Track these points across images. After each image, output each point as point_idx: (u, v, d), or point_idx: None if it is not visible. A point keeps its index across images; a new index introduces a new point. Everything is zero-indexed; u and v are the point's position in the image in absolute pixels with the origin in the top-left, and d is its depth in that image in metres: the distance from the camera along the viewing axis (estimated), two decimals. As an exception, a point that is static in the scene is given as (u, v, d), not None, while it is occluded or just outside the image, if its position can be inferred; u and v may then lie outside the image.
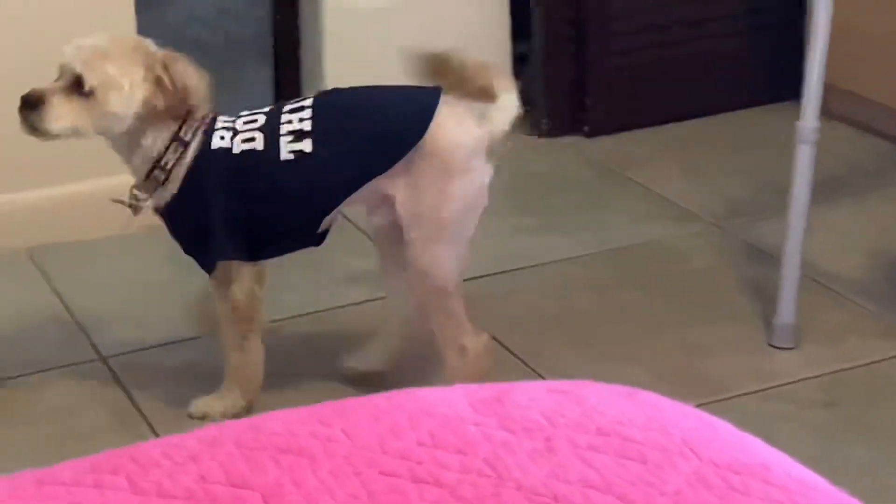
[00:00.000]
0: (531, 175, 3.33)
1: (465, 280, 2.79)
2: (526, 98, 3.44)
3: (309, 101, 2.15)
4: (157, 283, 2.78)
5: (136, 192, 2.14)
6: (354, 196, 2.14)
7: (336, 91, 2.27)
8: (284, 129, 2.11)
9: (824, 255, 2.88)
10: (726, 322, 2.66)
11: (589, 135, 3.47)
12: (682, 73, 3.53)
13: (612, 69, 3.46)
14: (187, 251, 2.17)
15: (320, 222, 2.16)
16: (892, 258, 2.93)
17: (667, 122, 3.52)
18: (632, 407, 1.20)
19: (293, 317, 2.62)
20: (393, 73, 3.35)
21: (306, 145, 2.10)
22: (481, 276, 2.79)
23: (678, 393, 1.43)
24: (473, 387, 1.26)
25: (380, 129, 2.13)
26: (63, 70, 2.07)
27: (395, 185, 2.11)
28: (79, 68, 2.04)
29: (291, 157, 2.10)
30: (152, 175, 2.11)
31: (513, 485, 1.08)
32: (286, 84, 3.42)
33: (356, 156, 2.12)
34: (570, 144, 3.48)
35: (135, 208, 2.15)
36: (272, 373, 2.30)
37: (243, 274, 2.15)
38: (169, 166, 2.10)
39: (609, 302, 2.74)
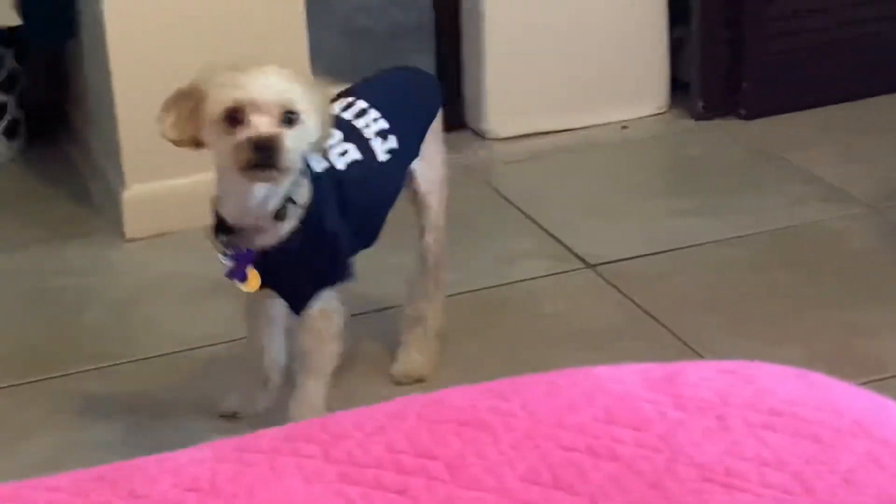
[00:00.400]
0: (687, 157, 3.32)
1: (622, 260, 2.84)
2: (683, 81, 3.47)
3: (362, 102, 2.15)
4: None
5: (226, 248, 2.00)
6: None
7: (364, 84, 2.25)
8: (368, 132, 2.11)
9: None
10: (885, 303, 2.63)
11: (745, 117, 3.44)
12: (839, 55, 3.48)
13: (768, 52, 3.42)
14: (289, 293, 2.06)
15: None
16: None
17: (823, 104, 3.47)
18: (803, 387, 1.21)
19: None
20: (550, 56, 3.39)
21: (393, 141, 2.13)
22: (639, 257, 2.80)
23: (837, 372, 1.43)
24: (645, 366, 1.28)
25: (422, 107, 2.27)
26: (258, 106, 1.86)
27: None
28: (292, 104, 1.88)
29: (388, 156, 2.12)
30: (280, 213, 1.96)
31: (687, 460, 1.10)
32: (448, 71, 3.46)
33: (417, 137, 2.23)
34: (726, 127, 3.45)
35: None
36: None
37: (329, 299, 2.06)
38: (300, 200, 1.98)
39: (767, 283, 2.72)
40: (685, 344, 2.47)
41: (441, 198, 2.31)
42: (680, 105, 3.50)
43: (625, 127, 3.43)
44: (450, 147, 3.42)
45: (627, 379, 1.23)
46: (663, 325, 2.53)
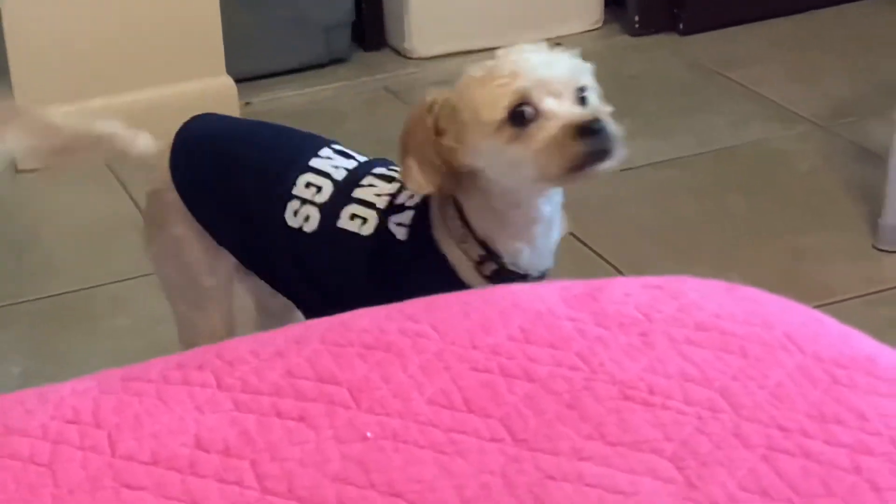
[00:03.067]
0: (623, 76, 3.31)
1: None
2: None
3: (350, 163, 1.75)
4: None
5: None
6: None
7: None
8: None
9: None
10: (831, 225, 2.65)
11: (683, 33, 3.43)
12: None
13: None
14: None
15: None
16: None
17: (766, 18, 3.47)
18: (731, 301, 1.20)
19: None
20: None
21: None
22: (573, 182, 2.79)
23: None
24: (567, 283, 1.27)
25: None
26: (550, 87, 1.52)
27: None
28: (582, 81, 1.56)
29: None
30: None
31: (607, 378, 1.09)
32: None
33: None
34: (664, 43, 3.44)
35: None
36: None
37: None
38: None
39: (710, 206, 2.73)
40: (622, 273, 2.47)
41: None
42: (615, 20, 3.49)
43: (557, 44, 3.40)
44: (371, 67, 3.42)
45: (546, 297, 1.21)
46: (598, 254, 2.53)
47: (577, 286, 1.24)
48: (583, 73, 1.55)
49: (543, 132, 1.49)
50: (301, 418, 1.08)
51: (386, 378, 1.11)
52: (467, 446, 1.03)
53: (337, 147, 1.74)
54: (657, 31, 3.43)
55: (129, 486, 1.03)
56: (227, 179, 1.74)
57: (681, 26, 3.42)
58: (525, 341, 1.14)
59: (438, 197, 1.60)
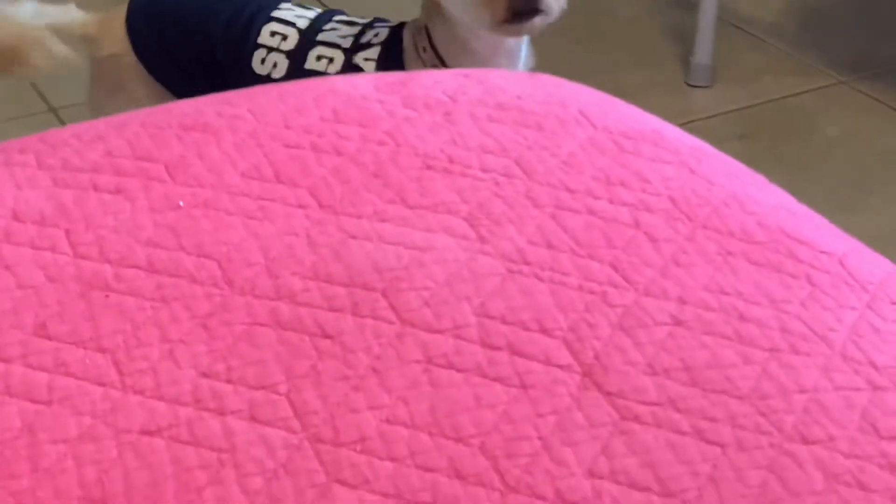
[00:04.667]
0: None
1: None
2: None
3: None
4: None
5: None
6: None
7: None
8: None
9: (743, 0, 2.80)
10: (649, 65, 2.60)
11: None
12: None
13: None
14: None
15: None
16: (806, 2, 2.85)
17: None
18: (533, 86, 1.13)
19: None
20: None
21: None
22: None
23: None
24: (382, 73, 1.19)
25: None
26: None
27: None
28: None
29: None
30: None
31: (410, 151, 1.02)
32: None
33: None
34: None
35: None
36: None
37: None
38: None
39: (537, 52, 2.66)
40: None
41: None
42: None
43: None
44: None
45: (360, 84, 1.13)
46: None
47: (391, 76, 1.17)
48: None
49: None
50: (117, 191, 0.99)
51: (201, 155, 1.03)
52: (275, 212, 0.96)
53: (295, 2, 1.63)
54: None
55: (-56, 256, 0.94)
56: (191, 38, 1.60)
57: None
58: (335, 121, 1.06)
59: (413, 28, 1.51)
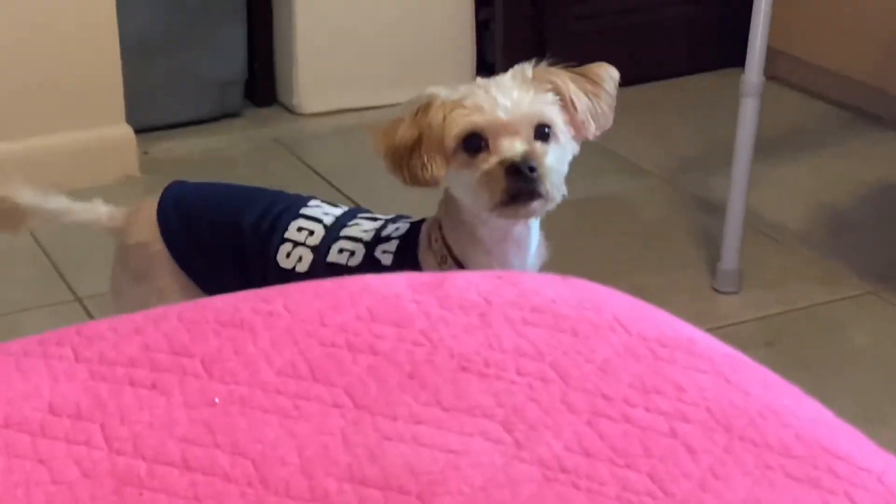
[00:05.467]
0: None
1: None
2: (489, 62, 3.45)
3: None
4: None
5: None
6: None
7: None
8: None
9: (769, 207, 2.87)
10: (674, 268, 2.65)
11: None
12: (637, 37, 3.52)
13: (570, 33, 3.44)
14: None
15: None
16: (832, 209, 2.92)
17: (623, 84, 3.50)
18: (566, 289, 1.17)
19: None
20: (363, 32, 3.33)
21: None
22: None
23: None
24: (415, 273, 1.23)
25: None
26: (504, 125, 1.50)
27: None
28: (544, 116, 1.53)
29: None
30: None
31: (446, 352, 1.05)
32: (259, 45, 3.39)
33: None
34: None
35: None
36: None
37: None
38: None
39: (562, 250, 2.72)
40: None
41: None
42: (487, 83, 3.50)
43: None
44: (262, 121, 3.38)
45: (395, 283, 1.17)
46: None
47: (425, 276, 1.21)
48: (546, 110, 1.51)
49: (485, 164, 1.47)
50: (153, 386, 1.02)
51: (237, 351, 1.06)
52: (310, 411, 0.99)
53: (323, 200, 1.71)
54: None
55: (-22, 447, 0.96)
56: (220, 231, 1.68)
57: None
58: (371, 320, 1.10)
59: (430, 222, 1.58)
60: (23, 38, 2.87)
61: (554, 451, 0.94)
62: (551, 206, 1.52)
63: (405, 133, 1.52)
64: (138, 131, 3.07)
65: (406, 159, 1.51)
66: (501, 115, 1.49)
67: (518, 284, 1.17)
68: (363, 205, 2.85)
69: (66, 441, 0.96)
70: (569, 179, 2.99)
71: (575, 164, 3.06)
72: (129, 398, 1.01)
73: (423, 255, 1.58)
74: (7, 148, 2.85)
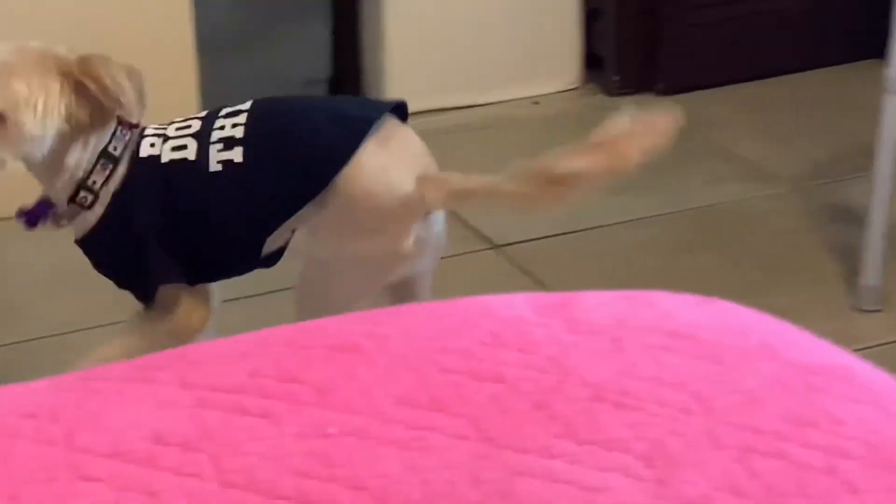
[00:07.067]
0: (601, 136, 3.31)
1: (530, 241, 2.81)
2: (597, 56, 3.47)
3: (247, 106, 1.90)
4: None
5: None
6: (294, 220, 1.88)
7: (278, 99, 2.02)
8: (216, 135, 1.86)
9: (915, 217, 2.84)
10: (808, 285, 2.63)
11: (662, 93, 3.44)
12: (759, 30, 3.50)
13: (687, 25, 3.44)
14: (121, 285, 1.94)
15: (260, 245, 1.87)
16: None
17: (743, 80, 3.49)
18: (706, 312, 1.19)
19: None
20: (456, 28, 3.37)
21: (236, 154, 1.84)
22: (548, 237, 2.78)
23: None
24: (535, 294, 1.25)
25: (309, 151, 1.87)
26: None
27: (301, 218, 1.88)
28: None
29: (220, 168, 1.83)
30: (77, 199, 1.87)
31: (577, 381, 1.07)
32: (344, 43, 3.43)
33: (291, 175, 1.86)
34: (642, 103, 3.45)
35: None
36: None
37: (185, 298, 1.89)
38: (97, 186, 1.86)
39: (686, 265, 2.72)
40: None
41: (311, 310, 1.81)
42: (594, 80, 3.50)
43: (536, 103, 3.42)
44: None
45: (516, 305, 1.20)
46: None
47: (547, 297, 1.23)
48: None
49: None
50: (264, 415, 1.06)
51: (351, 377, 1.09)
52: (433, 443, 1.01)
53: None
54: (635, 92, 3.44)
55: (85, 478, 1.00)
56: None
57: (659, 86, 3.44)
58: (495, 345, 1.13)
59: None
60: (94, 35, 2.94)
61: (700, 489, 0.96)
62: None
63: None
64: (218, 133, 3.13)
65: None
66: None
67: (653, 306, 1.19)
68: (462, 213, 2.88)
69: (175, 473, 1.00)
70: (685, 188, 3.00)
71: (693, 169, 3.09)
72: (239, 428, 1.04)
73: None
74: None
